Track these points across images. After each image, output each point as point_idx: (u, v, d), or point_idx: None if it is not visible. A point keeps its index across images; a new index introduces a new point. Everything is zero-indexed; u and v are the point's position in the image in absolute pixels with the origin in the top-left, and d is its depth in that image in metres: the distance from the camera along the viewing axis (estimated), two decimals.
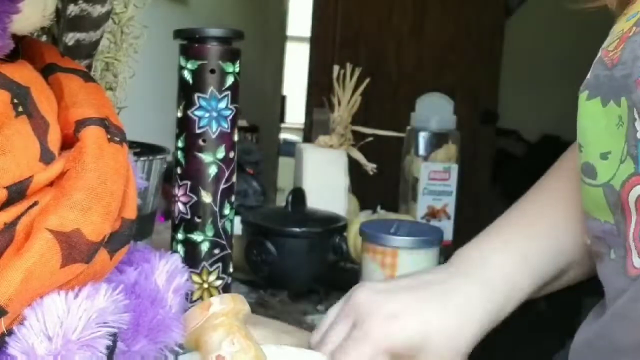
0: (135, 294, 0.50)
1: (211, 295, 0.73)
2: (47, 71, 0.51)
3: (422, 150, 1.28)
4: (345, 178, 1.22)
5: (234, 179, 0.75)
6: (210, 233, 0.74)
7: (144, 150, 0.85)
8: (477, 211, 3.17)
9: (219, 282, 0.74)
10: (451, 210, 1.25)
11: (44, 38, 0.59)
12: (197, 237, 0.73)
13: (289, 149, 3.21)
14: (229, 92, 0.73)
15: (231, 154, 0.74)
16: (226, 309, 0.56)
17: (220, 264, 0.74)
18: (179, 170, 0.74)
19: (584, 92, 0.53)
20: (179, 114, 0.73)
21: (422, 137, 1.28)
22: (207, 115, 0.72)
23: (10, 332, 0.41)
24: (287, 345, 0.72)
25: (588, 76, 0.53)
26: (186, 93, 0.72)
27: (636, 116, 0.46)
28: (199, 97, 0.72)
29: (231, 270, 0.76)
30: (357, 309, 0.64)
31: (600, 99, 0.50)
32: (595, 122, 0.50)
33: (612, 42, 0.51)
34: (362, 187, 1.38)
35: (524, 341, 3.23)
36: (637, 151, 0.46)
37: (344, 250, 0.97)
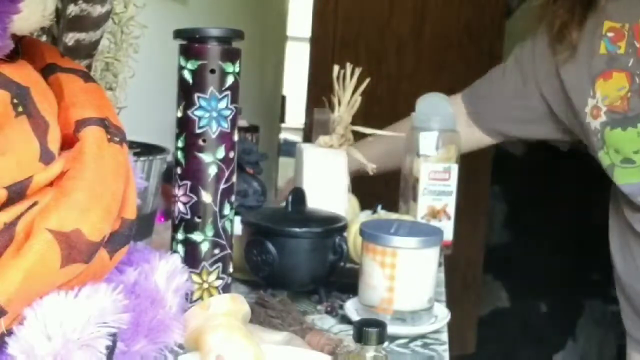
0: (135, 294, 0.50)
1: (211, 295, 0.73)
2: (47, 71, 0.51)
3: (422, 150, 1.28)
4: (345, 178, 1.22)
5: (234, 179, 0.75)
6: (210, 233, 0.74)
7: (144, 150, 0.85)
8: (477, 211, 3.17)
9: (219, 282, 0.74)
10: (451, 210, 1.25)
11: (44, 38, 0.59)
12: (197, 237, 0.73)
13: (289, 149, 3.21)
14: (229, 92, 0.73)
15: (231, 154, 0.74)
16: (226, 309, 0.57)
17: (220, 264, 0.74)
18: (179, 170, 0.74)
19: (608, 127, 1.05)
20: (179, 114, 0.73)
21: (422, 137, 1.28)
22: (207, 115, 0.72)
23: (10, 332, 0.41)
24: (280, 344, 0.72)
25: (604, 120, 1.05)
26: (186, 93, 0.72)
27: None
28: (199, 97, 0.72)
29: (231, 270, 0.76)
30: None
31: (620, 128, 1.03)
32: (618, 141, 1.04)
33: (614, 101, 1.04)
34: (362, 187, 1.38)
35: (525, 342, 3.24)
36: None
37: (344, 250, 0.97)
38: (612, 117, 1.02)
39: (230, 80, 0.73)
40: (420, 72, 3.17)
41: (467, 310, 3.09)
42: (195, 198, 0.73)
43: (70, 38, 0.58)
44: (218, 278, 0.74)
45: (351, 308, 0.91)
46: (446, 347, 0.86)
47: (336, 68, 1.21)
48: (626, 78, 0.97)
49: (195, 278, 0.73)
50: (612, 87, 1.01)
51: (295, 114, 4.10)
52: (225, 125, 0.73)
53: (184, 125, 0.73)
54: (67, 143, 0.47)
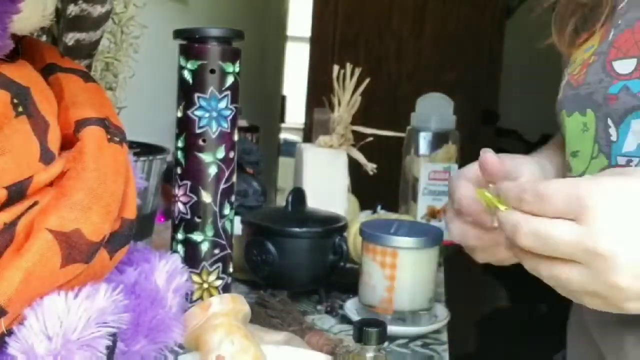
0: (135, 294, 0.50)
1: (211, 295, 0.73)
2: (47, 71, 0.51)
3: (422, 150, 1.28)
4: (345, 178, 1.22)
5: (234, 179, 0.75)
6: (210, 233, 0.74)
7: (144, 150, 0.85)
8: None
9: (219, 282, 0.74)
10: None
11: (44, 38, 0.59)
12: (197, 237, 0.73)
13: (289, 149, 3.21)
14: (229, 92, 0.73)
15: (231, 154, 0.74)
16: (226, 309, 0.57)
17: (220, 264, 0.74)
18: (179, 170, 0.74)
19: (558, 107, 0.70)
20: (179, 114, 0.73)
21: (422, 137, 1.28)
22: (207, 115, 0.72)
23: (10, 332, 0.41)
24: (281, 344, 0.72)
25: (559, 96, 0.70)
26: (186, 93, 0.72)
27: (610, 124, 0.60)
28: (199, 97, 0.72)
29: (231, 270, 0.76)
30: None
31: (566, 111, 0.67)
32: (564, 129, 0.68)
33: (576, 67, 0.67)
34: (362, 187, 1.38)
35: (525, 342, 3.24)
36: (610, 151, 0.60)
37: (344, 250, 0.97)
38: (564, 93, 0.69)
39: (230, 80, 0.73)
40: (420, 72, 3.17)
41: (467, 310, 3.09)
42: (195, 198, 0.73)
43: (70, 38, 0.58)
44: (218, 278, 0.74)
45: (351, 308, 0.91)
46: (446, 347, 0.86)
47: (336, 68, 1.21)
48: (601, 34, 0.66)
49: (195, 278, 0.73)
50: (584, 46, 0.69)
51: (295, 114, 4.10)
52: (225, 125, 0.73)
53: (184, 125, 0.73)
54: (67, 143, 0.47)
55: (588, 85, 0.63)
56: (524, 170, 0.70)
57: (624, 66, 0.61)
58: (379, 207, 1.30)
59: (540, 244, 0.50)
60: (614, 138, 0.60)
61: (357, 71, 1.21)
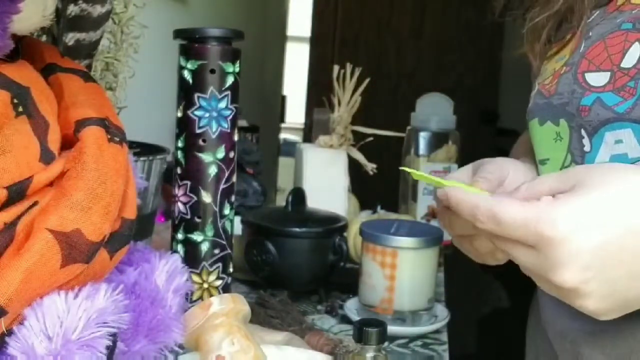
0: (135, 294, 0.50)
1: (211, 295, 0.73)
2: (47, 71, 0.51)
3: (422, 150, 1.28)
4: (345, 178, 1.22)
5: (234, 179, 0.75)
6: (210, 233, 0.73)
7: (144, 150, 0.85)
8: None
9: (219, 282, 0.74)
10: None
11: (44, 38, 0.59)
12: (197, 237, 0.73)
13: (289, 149, 3.21)
14: (229, 92, 0.73)
15: (231, 154, 0.74)
16: (226, 309, 0.57)
17: (220, 264, 0.74)
18: (179, 170, 0.74)
19: (528, 116, 0.70)
20: (179, 114, 0.73)
21: (422, 137, 1.28)
22: (207, 115, 0.72)
23: (10, 332, 0.41)
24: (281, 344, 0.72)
25: (530, 105, 0.71)
26: (186, 93, 0.72)
27: (584, 135, 0.61)
28: (199, 97, 0.72)
29: (231, 270, 0.76)
30: None
31: (538, 120, 0.67)
32: (534, 137, 0.69)
33: (547, 77, 0.69)
34: (362, 187, 1.38)
35: (525, 341, 3.23)
36: (584, 161, 0.61)
37: (344, 250, 0.97)
38: (535, 102, 0.70)
39: (230, 80, 0.73)
40: (420, 72, 3.18)
41: (467, 310, 3.09)
42: (195, 198, 0.73)
43: (70, 38, 0.58)
44: (218, 278, 0.74)
45: (351, 308, 0.91)
46: (446, 347, 0.86)
47: (336, 68, 1.21)
48: (572, 45, 0.67)
49: (195, 278, 0.73)
50: (557, 56, 0.70)
51: (295, 114, 4.10)
52: (225, 125, 0.73)
53: (184, 125, 0.73)
54: (67, 143, 0.47)
55: (560, 95, 0.64)
56: (509, 168, 0.69)
57: (596, 78, 0.62)
58: (379, 207, 1.30)
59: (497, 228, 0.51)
60: (587, 148, 0.62)
61: (357, 71, 1.21)
